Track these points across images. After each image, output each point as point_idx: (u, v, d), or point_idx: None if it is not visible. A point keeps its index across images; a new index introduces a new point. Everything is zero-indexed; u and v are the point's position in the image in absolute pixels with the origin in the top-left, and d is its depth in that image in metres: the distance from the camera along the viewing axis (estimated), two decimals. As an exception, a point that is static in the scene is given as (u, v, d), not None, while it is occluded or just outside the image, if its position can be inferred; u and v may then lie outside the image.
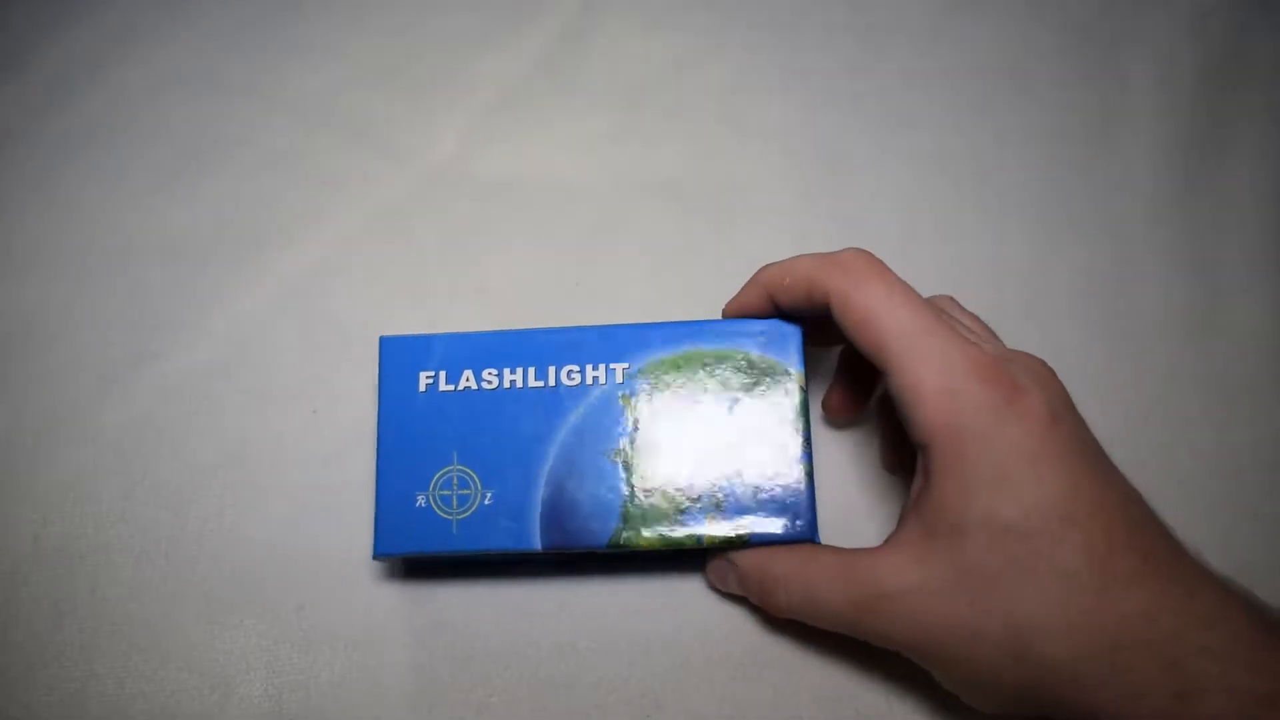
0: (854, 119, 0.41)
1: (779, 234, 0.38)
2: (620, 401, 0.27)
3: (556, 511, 0.26)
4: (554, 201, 0.39)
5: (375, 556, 0.27)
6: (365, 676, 0.28)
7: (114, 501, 0.31)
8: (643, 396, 0.27)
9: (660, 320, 0.29)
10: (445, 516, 0.27)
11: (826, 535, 0.27)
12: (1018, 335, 0.35)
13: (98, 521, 0.31)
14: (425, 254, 0.37)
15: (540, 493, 0.27)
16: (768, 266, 0.28)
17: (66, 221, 0.38)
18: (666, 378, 0.28)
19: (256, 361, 0.34)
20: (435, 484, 0.27)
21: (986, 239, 0.38)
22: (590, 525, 0.26)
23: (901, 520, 0.25)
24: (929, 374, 0.23)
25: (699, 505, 0.27)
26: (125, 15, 0.44)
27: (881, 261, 0.26)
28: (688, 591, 0.29)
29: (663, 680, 0.28)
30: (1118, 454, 0.32)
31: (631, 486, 0.27)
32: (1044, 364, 0.25)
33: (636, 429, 0.27)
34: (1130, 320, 0.36)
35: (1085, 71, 0.42)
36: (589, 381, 0.28)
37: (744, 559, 0.27)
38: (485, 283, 0.37)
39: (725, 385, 0.27)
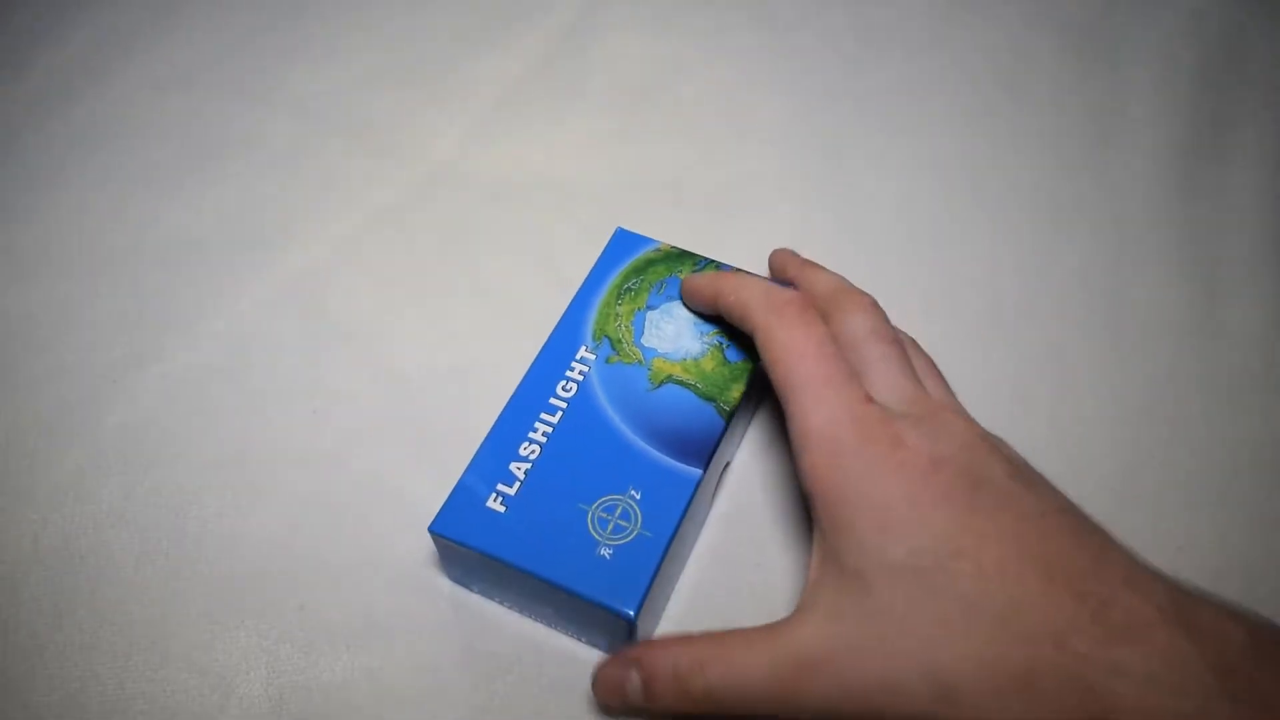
0: (854, 120, 0.41)
1: (778, 234, 0.38)
2: None
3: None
4: (554, 201, 0.39)
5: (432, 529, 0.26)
6: (366, 677, 0.28)
7: (114, 501, 0.31)
8: None
9: None
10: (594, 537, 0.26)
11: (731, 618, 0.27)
12: (1017, 336, 0.35)
13: (98, 521, 0.31)
14: (425, 254, 0.37)
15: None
16: (729, 274, 0.29)
17: (68, 222, 0.38)
18: None
19: (256, 361, 0.34)
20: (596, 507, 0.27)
21: (986, 239, 0.38)
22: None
23: (809, 581, 0.24)
24: (817, 422, 0.24)
25: None
26: (126, 16, 0.44)
27: (815, 312, 0.26)
28: (689, 590, 0.29)
29: (663, 680, 0.28)
30: (1117, 455, 0.32)
31: None
32: (964, 421, 0.25)
33: None
34: (1129, 320, 0.36)
35: (1084, 73, 0.42)
36: None
37: (646, 656, 0.25)
38: (485, 283, 0.37)
39: None
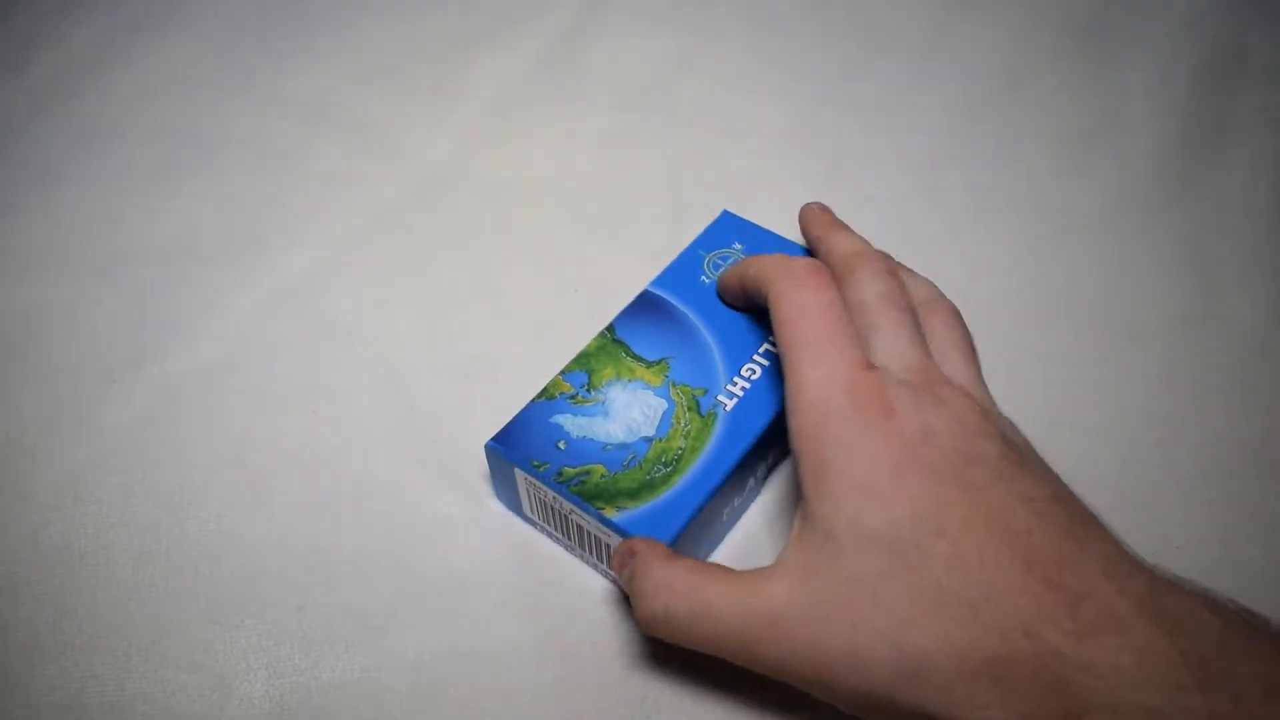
0: (853, 120, 0.41)
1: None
2: None
3: None
4: (554, 201, 0.39)
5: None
6: (365, 677, 0.28)
7: (114, 501, 0.31)
8: None
9: None
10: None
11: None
12: (1015, 336, 0.35)
13: (98, 521, 0.31)
14: (425, 254, 0.37)
15: None
16: (752, 258, 0.30)
17: (66, 222, 0.38)
18: None
19: (256, 361, 0.34)
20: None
21: (984, 239, 0.38)
22: None
23: (790, 540, 0.24)
24: (811, 383, 0.24)
25: None
26: (125, 15, 0.44)
27: (828, 275, 0.26)
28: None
29: (663, 680, 0.28)
30: (1115, 454, 0.32)
31: None
32: (965, 397, 0.24)
33: None
34: (1127, 320, 0.36)
35: (1083, 73, 0.42)
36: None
37: (644, 557, 0.25)
38: (484, 283, 0.37)
39: None
